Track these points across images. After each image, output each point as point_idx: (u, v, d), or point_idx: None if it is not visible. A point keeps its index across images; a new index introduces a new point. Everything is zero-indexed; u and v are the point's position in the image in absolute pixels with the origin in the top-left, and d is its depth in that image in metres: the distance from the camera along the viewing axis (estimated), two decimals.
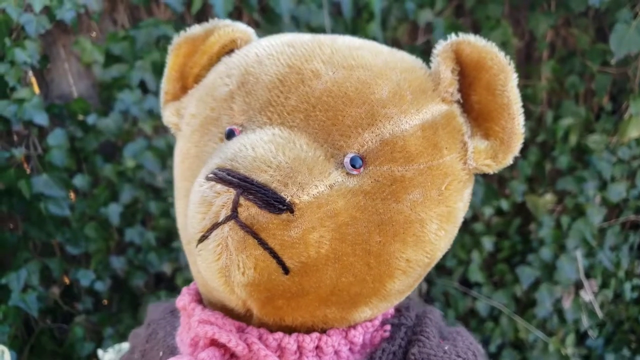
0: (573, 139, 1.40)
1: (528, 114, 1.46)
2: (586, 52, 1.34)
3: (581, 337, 1.62)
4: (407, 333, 0.42)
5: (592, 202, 1.45)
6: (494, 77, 0.38)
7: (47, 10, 1.19)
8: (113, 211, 1.27)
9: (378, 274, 0.38)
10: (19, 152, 1.24)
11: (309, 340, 0.39)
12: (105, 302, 1.40)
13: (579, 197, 1.45)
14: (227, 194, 0.34)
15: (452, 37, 0.40)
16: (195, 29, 0.48)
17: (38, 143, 1.28)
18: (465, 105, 0.41)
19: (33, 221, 1.26)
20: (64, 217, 1.27)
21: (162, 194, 1.30)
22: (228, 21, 0.48)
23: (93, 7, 1.20)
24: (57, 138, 1.24)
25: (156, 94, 1.26)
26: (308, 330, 0.41)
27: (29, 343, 1.34)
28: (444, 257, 1.52)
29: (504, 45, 1.32)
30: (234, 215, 0.34)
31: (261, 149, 0.35)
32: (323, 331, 0.41)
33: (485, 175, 1.51)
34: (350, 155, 0.36)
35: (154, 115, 1.25)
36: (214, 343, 0.39)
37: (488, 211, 1.47)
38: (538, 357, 1.52)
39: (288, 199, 0.34)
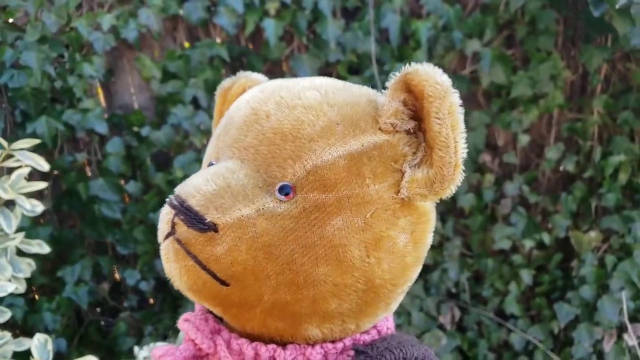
0: (623, 177, 1.35)
1: (577, 149, 1.43)
2: None
3: None
4: None
5: None
6: (430, 104, 0.39)
7: (114, 29, 1.29)
8: None
9: (310, 295, 0.41)
10: (81, 157, 1.35)
11: (264, 350, 0.43)
12: (151, 300, 1.49)
13: (627, 237, 1.39)
14: (170, 215, 0.40)
15: (405, 68, 0.41)
16: (226, 81, 0.55)
17: (99, 149, 1.39)
18: (424, 133, 0.41)
19: (88, 221, 1.36)
20: (115, 219, 1.37)
21: None
22: (248, 72, 0.55)
23: (154, 27, 1.29)
24: (114, 146, 1.34)
25: (207, 110, 1.33)
26: (269, 341, 0.44)
27: (79, 333, 1.45)
28: (481, 285, 1.50)
29: (553, 79, 1.30)
30: (172, 232, 0.40)
31: (200, 178, 0.41)
32: (284, 344, 0.44)
33: (528, 208, 1.49)
34: (282, 183, 0.40)
35: (203, 130, 1.33)
36: (191, 341, 0.45)
37: (528, 244, 1.44)
38: None
39: (208, 220, 0.39)
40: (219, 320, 0.47)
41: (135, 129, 1.34)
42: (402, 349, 0.42)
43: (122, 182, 1.39)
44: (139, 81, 1.40)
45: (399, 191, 0.41)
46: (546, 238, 1.43)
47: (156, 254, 1.44)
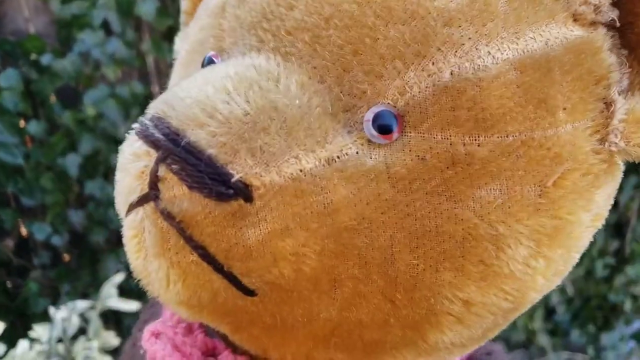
0: None
1: None
2: None
3: (549, 313, 1.63)
4: None
5: None
6: None
7: None
8: (71, 162, 1.19)
9: (412, 318, 0.24)
10: None
11: None
12: (66, 257, 1.35)
13: None
14: (147, 159, 0.22)
15: None
16: None
17: None
18: (628, 34, 0.24)
19: None
20: (17, 166, 1.18)
21: None
22: None
23: None
24: (9, 79, 1.13)
25: (121, 36, 1.16)
26: None
27: None
28: None
29: None
30: (152, 195, 0.21)
31: (211, 87, 0.22)
32: None
33: None
34: (377, 109, 0.22)
35: (118, 59, 1.16)
36: None
37: None
38: (505, 331, 1.53)
39: (237, 177, 0.21)
40: (208, 328, 0.31)
41: (34, 57, 1.14)
42: None
43: (22, 122, 1.19)
44: (34, 2, 1.18)
45: (605, 138, 0.24)
46: None
47: (68, 203, 1.28)
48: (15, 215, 1.25)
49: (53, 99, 1.19)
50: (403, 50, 0.22)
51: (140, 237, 0.23)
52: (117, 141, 1.22)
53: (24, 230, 1.31)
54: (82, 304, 1.09)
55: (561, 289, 1.54)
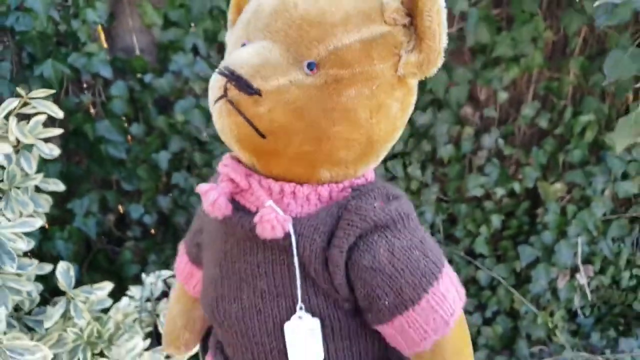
0: (589, 135, 1.47)
1: (551, 107, 1.53)
2: None
3: (572, 315, 1.75)
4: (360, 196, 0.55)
5: (599, 196, 1.53)
6: (424, 5, 0.49)
7: None
8: (163, 157, 1.46)
9: (327, 146, 0.52)
10: (86, 99, 1.43)
11: (288, 187, 0.55)
12: (153, 232, 1.62)
13: (587, 189, 1.53)
14: (222, 81, 0.50)
15: None
16: None
17: (103, 92, 1.46)
18: (415, 28, 0.52)
19: (95, 159, 1.46)
20: (120, 159, 1.47)
21: (206, 147, 1.48)
22: None
23: None
24: (118, 89, 1.41)
25: (206, 58, 1.40)
26: (290, 182, 0.55)
27: (88, 260, 1.59)
28: (454, 226, 1.63)
29: (534, 41, 1.38)
30: (224, 95, 0.50)
31: (245, 53, 0.51)
32: (300, 184, 0.56)
33: (502, 159, 1.61)
34: (308, 61, 0.50)
35: (203, 77, 1.40)
36: (230, 180, 0.57)
37: (500, 192, 1.58)
38: (528, 327, 1.67)
39: (255, 86, 0.49)
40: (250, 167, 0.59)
41: (139, 75, 1.41)
42: (385, 187, 0.57)
43: (126, 124, 1.47)
44: (140, 24, 1.44)
45: (397, 70, 0.52)
46: (517, 187, 1.57)
47: (158, 190, 1.56)
48: (117, 197, 1.54)
49: (150, 106, 1.46)
50: (316, 38, 0.50)
51: (221, 112, 0.51)
52: (200, 142, 1.48)
53: (122, 209, 1.61)
54: (166, 273, 1.35)
55: (583, 294, 1.66)
